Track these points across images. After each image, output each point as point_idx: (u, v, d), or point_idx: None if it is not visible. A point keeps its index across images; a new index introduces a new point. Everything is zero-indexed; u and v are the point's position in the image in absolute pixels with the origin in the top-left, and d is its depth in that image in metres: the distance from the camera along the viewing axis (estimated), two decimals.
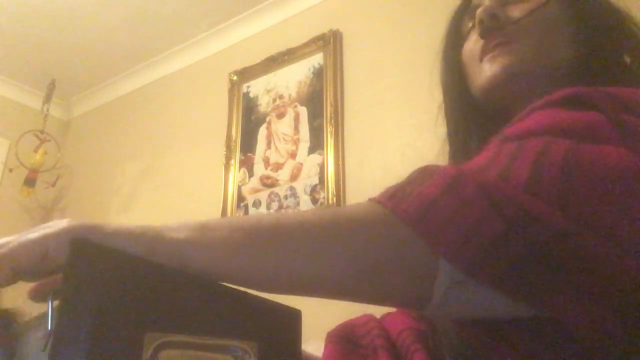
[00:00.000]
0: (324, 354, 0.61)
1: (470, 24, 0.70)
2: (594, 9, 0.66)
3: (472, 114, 0.70)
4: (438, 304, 0.42)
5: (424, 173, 0.45)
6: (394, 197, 0.43)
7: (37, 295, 0.40)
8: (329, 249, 0.42)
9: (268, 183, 2.21)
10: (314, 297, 0.45)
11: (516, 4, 0.65)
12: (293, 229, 0.43)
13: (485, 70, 0.65)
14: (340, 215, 0.45)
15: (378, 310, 0.63)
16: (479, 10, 0.66)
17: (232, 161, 2.35)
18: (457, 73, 0.72)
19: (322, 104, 2.13)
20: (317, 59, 2.23)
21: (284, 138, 2.23)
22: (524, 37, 0.63)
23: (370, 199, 0.45)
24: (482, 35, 0.65)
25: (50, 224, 0.41)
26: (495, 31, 0.64)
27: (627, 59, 0.64)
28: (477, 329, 0.46)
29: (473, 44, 0.69)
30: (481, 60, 0.66)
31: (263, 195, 2.19)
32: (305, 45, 2.27)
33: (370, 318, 0.67)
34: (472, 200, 0.41)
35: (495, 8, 0.65)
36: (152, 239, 0.41)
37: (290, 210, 2.06)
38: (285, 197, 2.12)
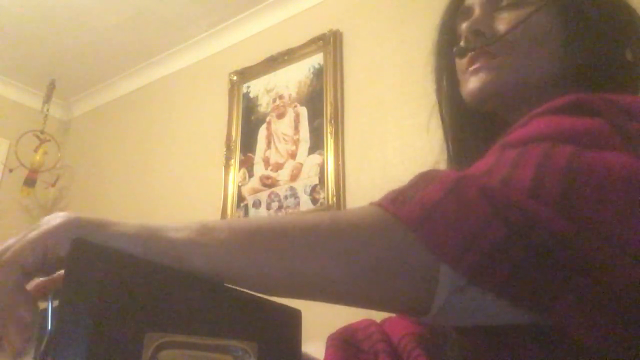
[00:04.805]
0: (325, 357, 0.61)
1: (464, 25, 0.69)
2: (590, 11, 0.63)
3: (467, 118, 0.69)
4: (439, 310, 0.42)
5: (426, 177, 0.45)
6: (395, 201, 0.43)
7: (37, 296, 0.40)
8: (330, 252, 0.42)
9: (268, 183, 2.20)
10: (314, 301, 0.45)
11: (508, 12, 0.63)
12: (294, 231, 0.43)
13: (468, 83, 0.64)
14: (341, 218, 0.45)
15: (379, 315, 0.63)
16: (464, 25, 0.65)
17: (232, 161, 2.35)
18: (450, 76, 0.71)
19: (322, 104, 2.13)
20: (317, 59, 2.23)
21: (284, 138, 2.23)
22: (510, 51, 0.62)
23: (371, 203, 0.45)
24: (459, 55, 0.65)
25: (47, 218, 0.41)
26: (474, 52, 0.63)
27: (629, 55, 0.62)
28: (478, 335, 0.46)
29: None
30: (467, 69, 0.65)
31: (263, 196, 2.19)
32: (305, 45, 2.27)
33: (371, 322, 0.67)
34: (474, 204, 0.40)
35: (480, 23, 0.64)
36: (150, 238, 0.41)
37: (290, 212, 2.06)
38: (285, 197, 2.12)
